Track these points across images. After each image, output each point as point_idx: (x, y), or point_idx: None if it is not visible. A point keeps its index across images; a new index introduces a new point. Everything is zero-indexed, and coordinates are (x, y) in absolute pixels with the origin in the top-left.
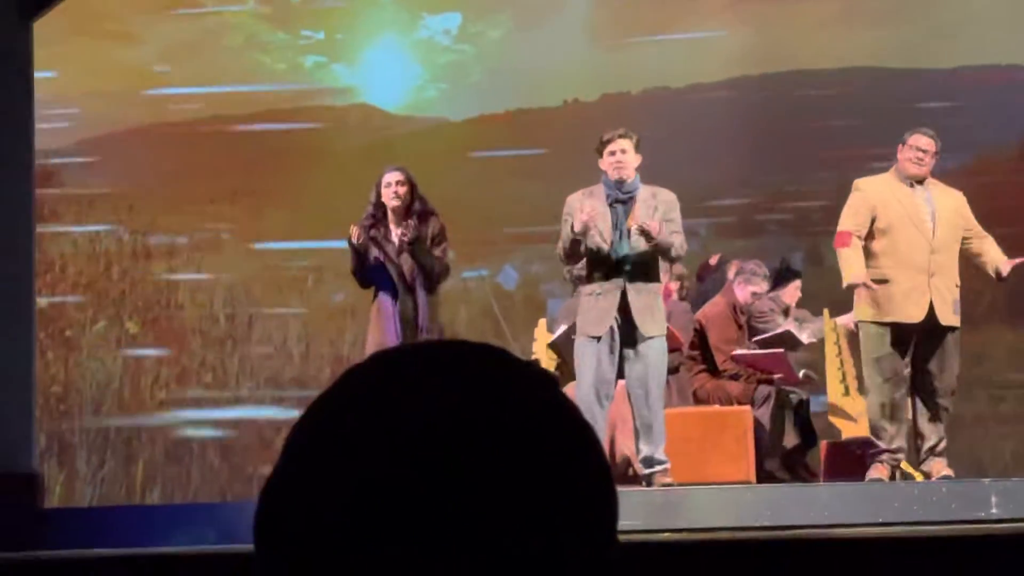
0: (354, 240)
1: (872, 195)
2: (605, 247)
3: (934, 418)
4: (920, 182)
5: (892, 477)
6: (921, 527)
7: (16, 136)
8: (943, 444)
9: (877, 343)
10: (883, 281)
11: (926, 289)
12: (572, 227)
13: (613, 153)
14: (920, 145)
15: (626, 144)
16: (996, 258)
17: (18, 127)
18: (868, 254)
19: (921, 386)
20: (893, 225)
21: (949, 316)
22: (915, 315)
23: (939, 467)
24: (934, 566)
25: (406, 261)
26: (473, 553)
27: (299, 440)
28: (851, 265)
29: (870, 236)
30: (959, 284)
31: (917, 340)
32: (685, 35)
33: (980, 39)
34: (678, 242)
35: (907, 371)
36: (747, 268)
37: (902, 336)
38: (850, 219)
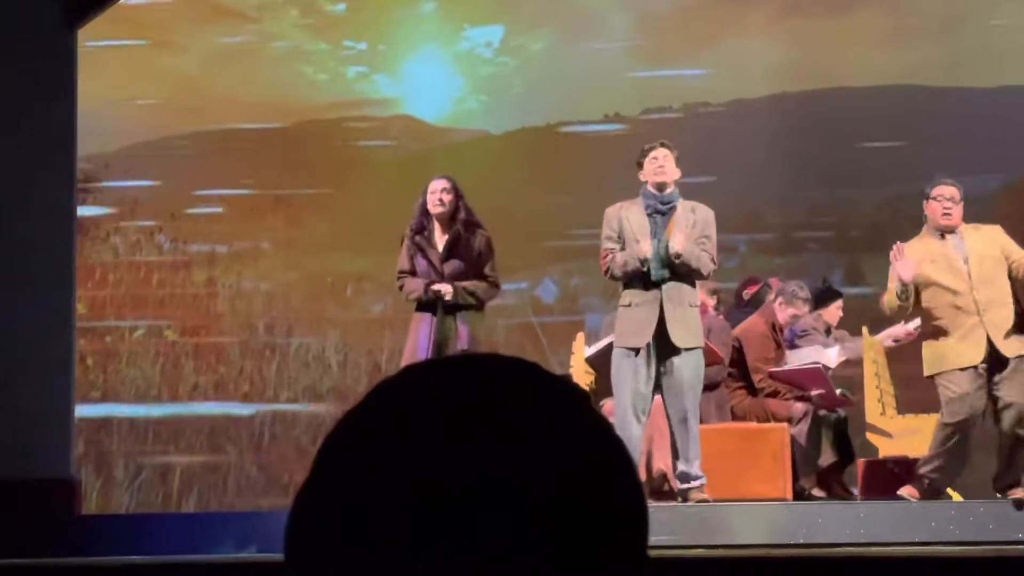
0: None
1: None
2: (643, 258)
3: (1015, 448)
4: (951, 231)
5: (936, 496)
6: (958, 547)
7: (59, 142)
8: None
9: (953, 386)
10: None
11: (981, 328)
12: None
13: (656, 159)
14: (946, 195)
15: (667, 152)
16: None
17: (61, 133)
18: (923, 314)
19: (1001, 417)
20: (932, 279)
21: (1012, 347)
22: (975, 357)
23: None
24: None
25: (448, 268)
26: (504, 567)
27: (331, 451)
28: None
29: (919, 296)
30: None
31: (990, 375)
32: (727, 50)
33: None
34: (706, 259)
35: (972, 413)
36: (788, 290)
37: (977, 375)
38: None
